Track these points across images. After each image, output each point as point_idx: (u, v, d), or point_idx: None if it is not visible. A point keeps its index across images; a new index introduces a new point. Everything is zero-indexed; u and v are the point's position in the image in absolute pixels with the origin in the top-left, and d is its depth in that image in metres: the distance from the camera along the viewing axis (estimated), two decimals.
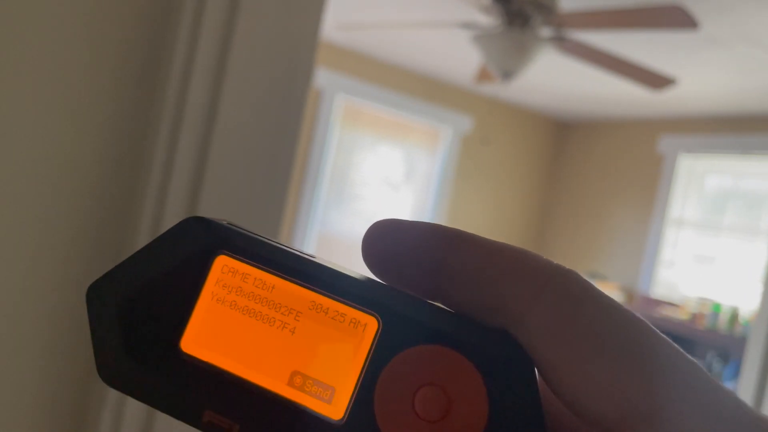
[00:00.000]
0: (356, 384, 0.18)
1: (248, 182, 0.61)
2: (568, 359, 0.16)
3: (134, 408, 0.59)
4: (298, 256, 0.19)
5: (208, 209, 0.59)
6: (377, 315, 0.18)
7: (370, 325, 0.18)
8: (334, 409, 0.18)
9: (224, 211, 0.60)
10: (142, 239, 0.59)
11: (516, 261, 0.18)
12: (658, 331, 0.17)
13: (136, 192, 0.60)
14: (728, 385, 3.24)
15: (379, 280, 0.19)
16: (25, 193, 0.58)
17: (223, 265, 0.19)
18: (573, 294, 0.17)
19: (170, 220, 0.58)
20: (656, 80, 2.46)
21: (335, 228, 4.09)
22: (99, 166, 0.60)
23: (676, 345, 0.17)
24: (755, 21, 2.39)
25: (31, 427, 0.60)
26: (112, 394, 0.59)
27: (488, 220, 4.54)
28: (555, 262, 0.18)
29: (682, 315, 3.61)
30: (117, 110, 0.60)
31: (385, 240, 0.19)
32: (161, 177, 0.59)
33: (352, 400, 0.18)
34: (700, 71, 3.05)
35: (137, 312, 0.19)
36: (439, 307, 0.18)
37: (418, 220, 0.19)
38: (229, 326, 0.19)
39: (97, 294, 0.19)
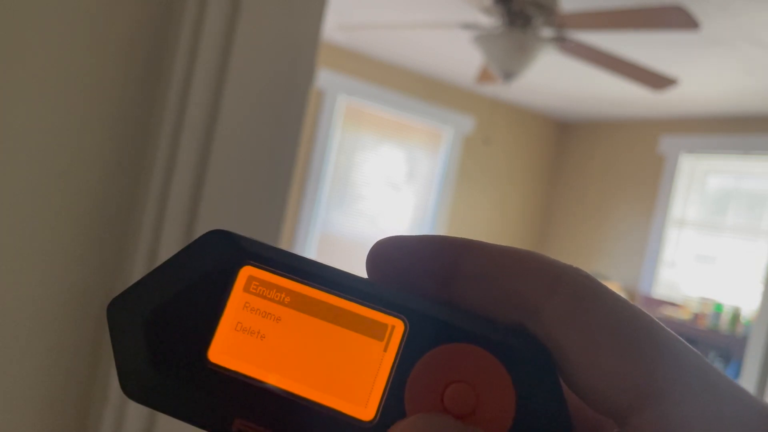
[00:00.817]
0: (386, 385, 0.18)
1: (250, 183, 0.62)
2: (582, 348, 0.17)
3: (136, 408, 0.59)
4: (322, 264, 0.19)
5: (210, 210, 0.59)
6: (403, 317, 0.19)
7: (397, 328, 0.19)
8: (366, 411, 0.18)
9: (226, 212, 0.61)
10: (144, 241, 0.59)
11: (528, 260, 0.19)
12: (663, 324, 0.18)
13: (137, 194, 0.61)
14: None
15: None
16: (27, 196, 0.58)
17: (248, 275, 0.19)
18: (586, 287, 0.18)
19: (172, 222, 0.59)
20: (657, 80, 2.46)
21: (337, 228, 4.09)
22: (100, 168, 0.60)
23: (680, 337, 0.18)
24: (756, 21, 2.39)
25: (33, 426, 0.61)
26: (114, 394, 0.59)
27: (490, 220, 4.54)
28: (562, 261, 0.19)
29: (683, 315, 3.61)
30: (118, 112, 0.60)
31: (394, 256, 0.19)
32: (163, 179, 0.59)
33: (383, 401, 0.18)
34: (702, 71, 3.05)
35: (163, 326, 0.19)
36: (459, 308, 0.19)
37: (422, 234, 0.20)
38: (255, 335, 0.19)
39: (119, 309, 0.19)
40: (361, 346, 0.19)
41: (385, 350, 0.19)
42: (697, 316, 3.54)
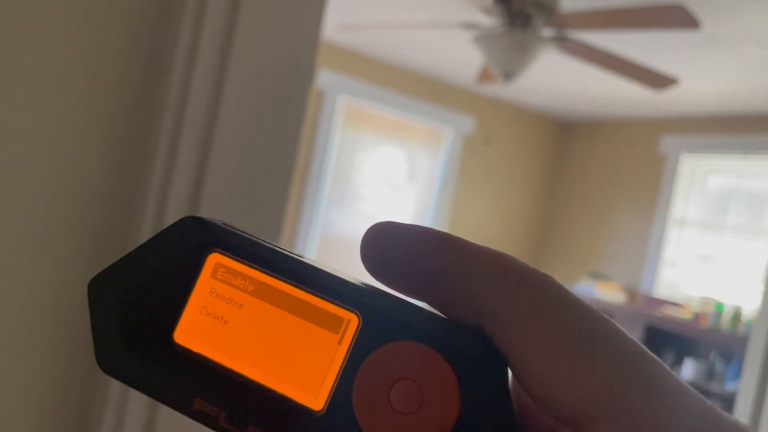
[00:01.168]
0: (337, 377, 0.19)
1: (250, 183, 0.62)
2: (539, 355, 0.17)
3: (136, 408, 0.59)
4: (287, 255, 0.20)
5: (210, 210, 0.59)
6: (358, 312, 0.19)
7: (352, 322, 0.19)
8: (316, 400, 0.19)
9: (226, 212, 0.61)
10: (144, 241, 0.59)
11: (493, 262, 0.18)
12: (625, 332, 0.18)
13: (137, 194, 0.61)
14: (731, 385, 3.24)
15: (373, 280, 0.20)
16: (27, 194, 0.58)
17: (215, 262, 0.20)
18: (546, 294, 0.18)
19: (172, 221, 0.59)
20: (658, 80, 2.46)
21: (338, 229, 4.09)
22: (100, 169, 0.60)
23: (642, 345, 0.18)
24: (757, 20, 2.38)
25: (33, 428, 0.61)
26: (114, 395, 0.59)
27: (490, 220, 4.54)
28: (531, 266, 0.19)
29: (684, 314, 3.60)
30: (119, 112, 0.60)
31: (381, 243, 0.20)
32: (163, 178, 0.59)
33: (332, 392, 0.19)
34: (702, 71, 3.05)
35: (135, 305, 0.20)
36: (417, 306, 0.19)
37: (413, 224, 0.20)
38: (219, 319, 0.20)
39: (98, 287, 0.20)
40: (318, 337, 0.19)
41: (339, 343, 0.19)
42: (698, 316, 3.54)
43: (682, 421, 0.17)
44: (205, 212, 0.59)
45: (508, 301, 0.18)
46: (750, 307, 3.34)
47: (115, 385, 0.59)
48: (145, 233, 0.59)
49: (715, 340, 3.44)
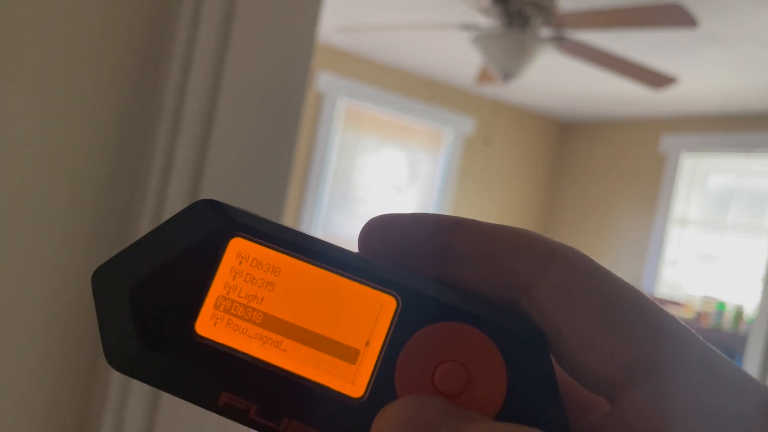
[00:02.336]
0: (376, 362, 0.18)
1: (247, 184, 0.62)
2: (575, 325, 0.17)
3: (135, 410, 0.59)
4: (315, 239, 0.19)
5: None
6: (396, 294, 0.18)
7: (388, 305, 0.18)
8: (354, 388, 0.18)
9: None
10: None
11: (521, 237, 0.18)
12: (656, 302, 0.18)
13: (134, 197, 0.61)
14: None
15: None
16: (25, 198, 0.59)
17: (238, 247, 0.19)
18: (577, 266, 0.18)
19: None
20: (657, 79, 2.46)
21: (338, 231, 4.09)
22: (98, 170, 0.61)
23: (672, 314, 0.18)
24: (755, 19, 2.38)
25: (32, 429, 0.61)
26: (113, 396, 0.59)
27: (491, 221, 4.53)
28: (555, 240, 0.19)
29: (686, 314, 3.60)
30: (115, 113, 0.61)
31: (386, 234, 0.19)
32: (160, 181, 0.59)
33: (373, 378, 0.18)
34: (702, 70, 3.05)
35: (149, 296, 0.18)
36: (452, 286, 0.19)
37: (416, 212, 0.19)
38: (243, 308, 0.19)
39: (105, 278, 0.19)
40: (352, 322, 0.18)
41: (376, 327, 0.18)
42: (700, 315, 3.54)
43: (716, 388, 0.16)
44: None
45: (540, 275, 0.18)
46: (752, 306, 3.33)
47: (114, 386, 0.59)
48: (143, 233, 0.59)
49: (717, 339, 3.43)
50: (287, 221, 3.88)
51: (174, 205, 0.59)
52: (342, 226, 4.11)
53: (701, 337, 0.17)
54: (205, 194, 0.59)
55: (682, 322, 0.17)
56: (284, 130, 0.62)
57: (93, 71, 0.59)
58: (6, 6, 0.56)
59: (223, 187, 0.60)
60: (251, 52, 0.60)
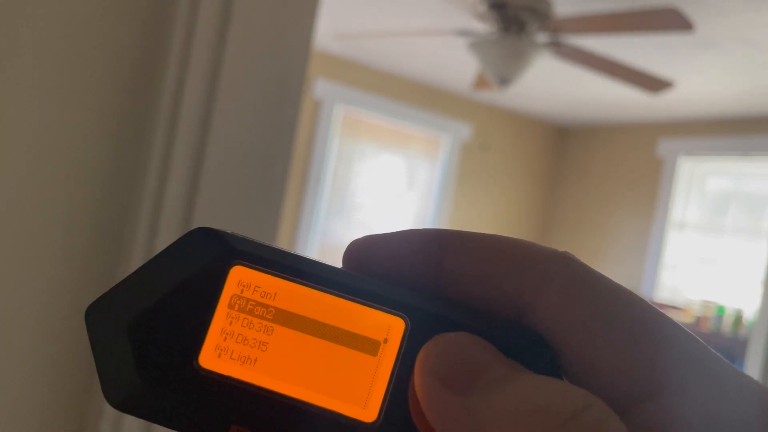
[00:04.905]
0: (388, 384, 0.18)
1: (244, 190, 0.62)
2: (578, 341, 0.17)
3: (132, 421, 0.59)
4: (317, 263, 0.19)
5: (204, 218, 0.59)
6: (404, 315, 0.18)
7: (397, 326, 0.18)
8: (367, 412, 0.18)
9: (221, 220, 0.60)
10: (138, 255, 0.59)
11: (514, 252, 0.18)
12: (659, 309, 0.17)
13: (131, 206, 0.61)
14: None
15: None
16: (22, 203, 0.58)
17: (239, 275, 0.18)
18: (576, 277, 0.17)
19: (166, 232, 0.58)
20: (654, 84, 2.46)
21: (337, 238, 4.09)
22: (94, 176, 0.60)
23: (678, 323, 0.17)
24: (750, 22, 2.39)
25: None
26: (110, 408, 0.59)
27: (490, 227, 4.54)
28: (548, 248, 0.18)
29: (686, 318, 3.60)
30: (112, 121, 0.60)
31: (372, 257, 0.19)
32: (156, 187, 0.59)
33: (386, 401, 0.18)
34: (698, 74, 3.05)
35: (150, 331, 0.18)
36: (459, 303, 0.19)
37: (401, 230, 0.19)
38: (248, 337, 0.18)
39: (100, 315, 0.18)
40: (361, 346, 0.18)
41: (385, 349, 0.18)
42: (699, 319, 3.54)
43: (731, 401, 0.16)
44: (199, 222, 0.59)
45: (539, 291, 0.17)
46: (751, 310, 3.33)
47: (107, 417, 0.58)
48: (138, 248, 0.59)
49: (717, 344, 3.43)
50: (285, 229, 3.88)
51: (170, 215, 0.59)
52: (340, 233, 4.10)
53: (702, 341, 0.17)
54: (201, 203, 0.59)
55: (684, 328, 0.17)
56: (280, 136, 0.62)
57: (89, 80, 0.59)
58: (1, 12, 0.55)
59: (219, 193, 0.60)
60: (247, 58, 0.60)
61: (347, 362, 0.18)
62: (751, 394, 0.16)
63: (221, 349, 0.18)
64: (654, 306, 0.17)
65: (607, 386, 0.17)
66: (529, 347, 0.18)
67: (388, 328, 0.18)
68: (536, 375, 0.16)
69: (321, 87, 3.87)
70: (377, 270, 0.19)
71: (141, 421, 0.59)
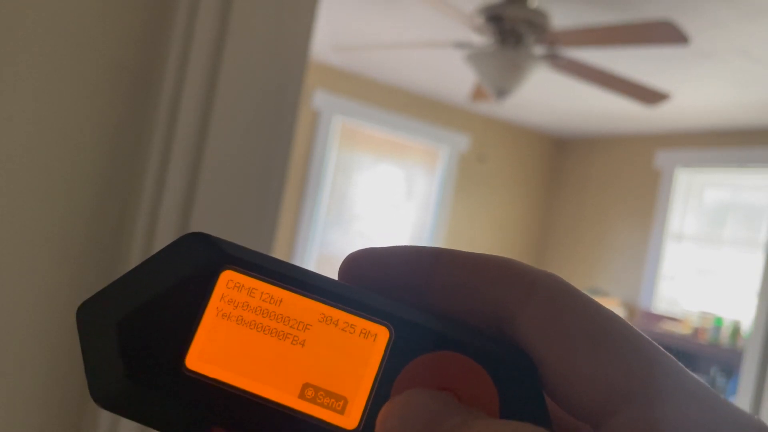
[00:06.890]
0: (370, 393, 0.18)
1: (240, 200, 0.62)
2: (558, 354, 0.18)
3: (131, 424, 0.59)
4: (306, 270, 0.19)
5: (200, 228, 0.59)
6: (389, 324, 0.19)
7: (381, 335, 0.18)
8: (348, 420, 0.18)
9: (217, 226, 0.61)
10: (135, 261, 0.59)
11: (501, 268, 0.19)
12: (635, 327, 0.18)
13: (127, 212, 0.61)
14: (733, 399, 3.22)
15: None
16: (21, 204, 0.59)
17: (228, 279, 0.19)
18: (559, 293, 0.18)
19: (162, 243, 0.59)
20: (650, 96, 2.47)
21: (335, 248, 4.09)
22: (91, 188, 0.61)
23: (652, 340, 0.18)
24: (746, 35, 2.41)
25: None
26: (105, 416, 0.59)
27: (488, 238, 4.54)
28: (535, 267, 0.19)
29: (684, 329, 3.59)
30: (110, 130, 0.61)
31: (367, 269, 0.19)
32: (153, 196, 0.59)
33: (367, 409, 0.18)
34: (694, 86, 3.07)
35: (138, 330, 0.18)
36: (443, 315, 0.19)
37: (394, 245, 0.20)
38: (235, 341, 0.18)
39: (91, 315, 0.19)
40: (345, 353, 0.18)
41: (369, 358, 0.18)
42: (697, 331, 3.53)
43: (699, 414, 0.17)
44: (197, 226, 0.59)
45: (521, 307, 0.18)
46: (749, 321, 3.33)
47: (103, 422, 0.58)
48: (136, 255, 0.59)
49: (715, 355, 3.42)
50: (284, 239, 3.88)
51: (167, 222, 0.59)
52: (338, 244, 4.10)
53: (678, 362, 0.18)
54: (197, 211, 0.59)
55: (661, 348, 0.18)
56: (277, 145, 0.63)
57: (87, 89, 0.60)
58: (0, 20, 0.56)
59: (215, 202, 0.60)
60: (244, 67, 0.60)
61: (332, 369, 0.18)
62: (728, 410, 0.17)
63: (209, 352, 0.18)
64: (629, 324, 0.18)
65: (584, 396, 0.17)
66: (511, 360, 0.18)
67: (374, 338, 0.18)
68: (491, 419, 0.17)
69: (319, 98, 3.88)
70: (370, 283, 0.19)
71: (136, 427, 0.59)
